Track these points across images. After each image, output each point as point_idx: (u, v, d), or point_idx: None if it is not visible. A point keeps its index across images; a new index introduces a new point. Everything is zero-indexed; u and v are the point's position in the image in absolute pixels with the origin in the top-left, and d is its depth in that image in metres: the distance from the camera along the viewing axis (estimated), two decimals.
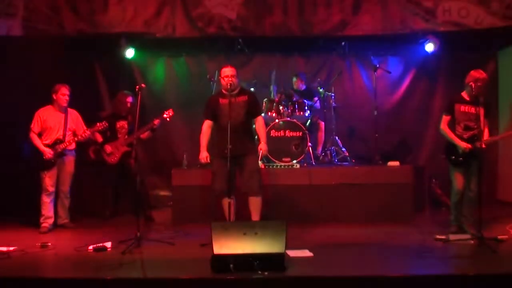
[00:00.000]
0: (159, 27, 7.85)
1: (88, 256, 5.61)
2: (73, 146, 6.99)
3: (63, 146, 6.84)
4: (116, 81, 8.75)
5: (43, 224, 6.81)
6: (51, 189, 6.86)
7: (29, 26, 7.69)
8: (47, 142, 6.85)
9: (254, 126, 6.43)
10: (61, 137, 6.87)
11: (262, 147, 6.26)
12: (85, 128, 7.01)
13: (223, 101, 6.17)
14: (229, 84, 6.09)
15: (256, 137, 6.56)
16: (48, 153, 6.77)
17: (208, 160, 6.26)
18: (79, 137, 6.91)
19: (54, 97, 6.90)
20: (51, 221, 6.87)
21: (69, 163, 6.98)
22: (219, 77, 6.30)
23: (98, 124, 6.94)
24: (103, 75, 8.90)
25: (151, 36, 7.98)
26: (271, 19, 7.84)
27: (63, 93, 6.86)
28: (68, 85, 6.92)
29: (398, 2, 7.75)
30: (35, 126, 6.86)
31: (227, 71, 6.16)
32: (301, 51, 9.05)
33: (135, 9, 7.80)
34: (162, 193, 8.62)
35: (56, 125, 6.89)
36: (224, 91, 6.21)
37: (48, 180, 6.84)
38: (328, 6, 7.80)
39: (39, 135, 6.87)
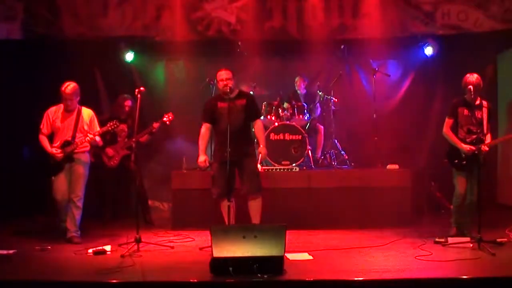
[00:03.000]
0: (158, 31, 7.87)
1: (88, 259, 5.61)
2: (85, 147, 6.44)
3: (71, 148, 6.29)
4: (115, 84, 8.75)
5: (62, 224, 6.46)
6: (61, 196, 6.34)
7: (28, 30, 7.71)
8: (56, 144, 6.34)
9: (253, 130, 6.44)
10: (69, 138, 6.33)
11: (262, 151, 6.28)
12: (99, 129, 6.48)
13: (221, 105, 6.17)
14: (224, 86, 6.10)
15: (255, 140, 6.57)
16: (57, 154, 6.24)
17: (207, 164, 6.27)
18: (89, 138, 6.34)
19: (62, 99, 6.36)
20: None
21: (79, 165, 6.38)
22: (216, 81, 6.31)
23: (109, 123, 6.44)
24: (102, 79, 8.90)
25: (150, 39, 8.00)
26: (270, 23, 7.86)
27: (64, 98, 6.30)
28: (73, 84, 6.35)
29: (397, 5, 7.76)
30: (44, 127, 6.37)
31: (223, 74, 6.18)
32: (300, 54, 9.06)
33: (134, 13, 7.83)
34: (162, 196, 8.61)
35: (66, 125, 6.37)
36: (222, 95, 6.22)
37: (58, 185, 6.34)
38: (328, 10, 7.83)
39: (50, 137, 6.38)
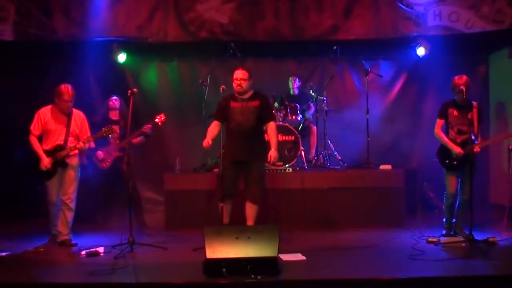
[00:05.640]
0: (151, 32, 7.84)
1: (81, 261, 5.60)
2: (75, 152, 6.35)
3: (64, 153, 6.21)
4: (108, 86, 8.71)
5: (54, 233, 6.40)
6: (55, 199, 6.29)
7: (20, 31, 7.65)
8: (47, 148, 6.23)
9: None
10: (62, 142, 6.24)
11: (272, 154, 6.16)
12: (89, 134, 6.42)
13: (234, 105, 6.14)
14: (237, 86, 6.08)
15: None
16: (44, 165, 6.15)
17: (210, 143, 6.09)
18: (81, 144, 6.26)
19: (57, 101, 6.25)
20: None
21: (71, 168, 6.32)
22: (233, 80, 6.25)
23: (103, 129, 6.36)
24: (95, 80, 8.85)
25: (143, 40, 7.97)
26: (263, 24, 7.84)
27: (65, 100, 6.20)
28: (71, 86, 6.28)
29: (389, 6, 7.77)
30: (35, 128, 6.22)
31: (238, 73, 6.15)
32: (293, 55, 9.07)
33: (127, 14, 7.80)
34: (155, 197, 8.59)
35: (57, 128, 6.26)
36: (236, 94, 6.19)
37: (51, 189, 6.27)
38: (320, 10, 7.82)
39: (39, 139, 6.26)
